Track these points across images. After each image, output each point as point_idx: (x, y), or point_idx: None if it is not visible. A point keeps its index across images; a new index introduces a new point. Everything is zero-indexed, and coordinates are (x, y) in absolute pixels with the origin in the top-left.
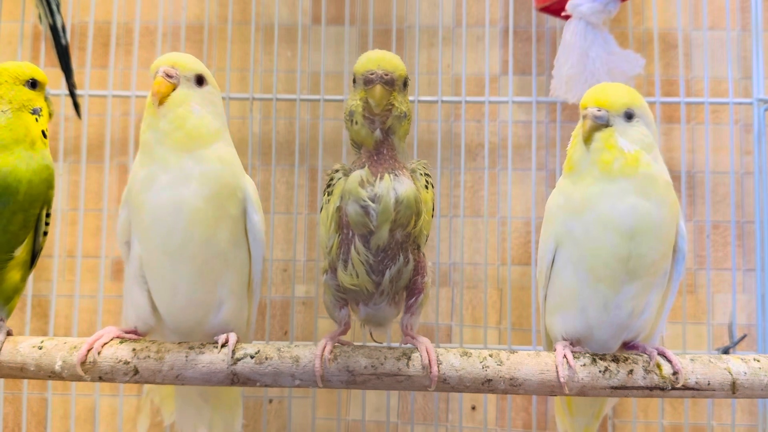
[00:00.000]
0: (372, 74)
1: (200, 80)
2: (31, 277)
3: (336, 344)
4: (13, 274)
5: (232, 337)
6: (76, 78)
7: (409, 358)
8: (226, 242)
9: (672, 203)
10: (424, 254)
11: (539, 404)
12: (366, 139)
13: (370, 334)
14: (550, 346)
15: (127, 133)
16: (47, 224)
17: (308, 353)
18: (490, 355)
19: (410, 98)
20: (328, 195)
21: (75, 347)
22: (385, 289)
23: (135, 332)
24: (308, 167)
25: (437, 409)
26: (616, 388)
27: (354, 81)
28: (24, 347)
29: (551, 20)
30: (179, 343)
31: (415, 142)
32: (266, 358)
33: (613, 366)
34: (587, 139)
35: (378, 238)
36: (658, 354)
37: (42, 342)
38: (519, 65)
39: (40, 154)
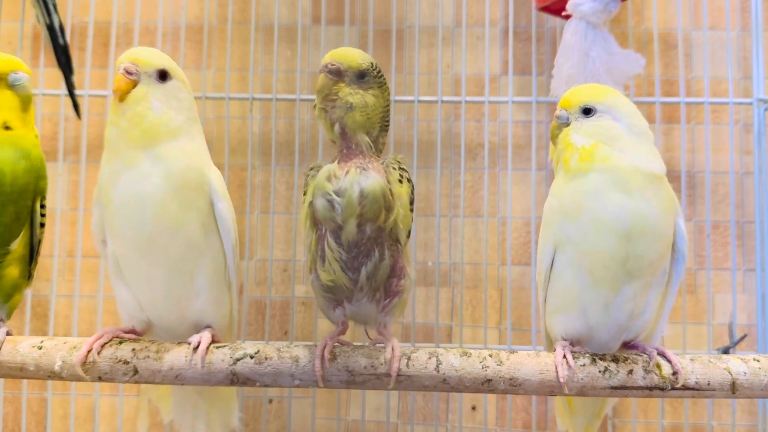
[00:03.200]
0: (323, 65)
1: (163, 75)
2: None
3: (336, 344)
4: (11, 270)
5: (205, 340)
6: (77, 78)
7: (408, 358)
8: (196, 233)
9: (665, 199)
10: (403, 253)
11: (539, 404)
12: (330, 132)
13: (365, 331)
14: (550, 347)
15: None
16: (43, 215)
17: (308, 353)
18: (490, 355)
19: (410, 98)
20: (305, 193)
21: (75, 347)
22: (363, 286)
23: (133, 331)
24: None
25: (437, 409)
26: (615, 388)
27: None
28: (24, 347)
29: (551, 20)
30: (179, 343)
31: (415, 142)
32: (266, 358)
33: (612, 366)
34: (553, 140)
35: (347, 233)
36: (658, 354)
37: (42, 342)
38: (519, 65)
39: (18, 144)
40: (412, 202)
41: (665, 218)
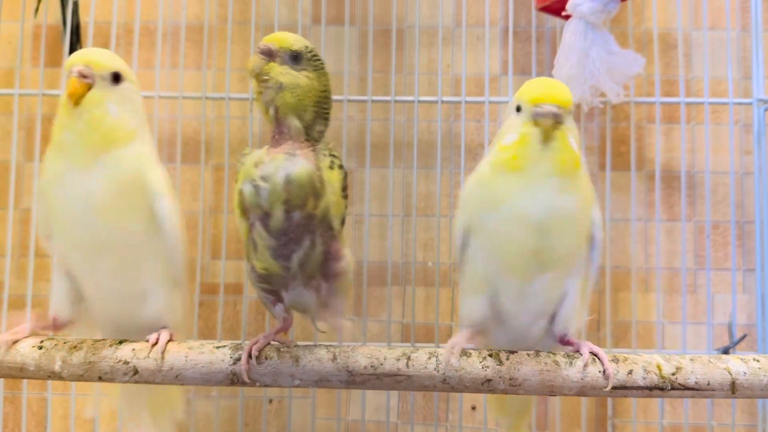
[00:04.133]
0: (257, 48)
1: (117, 77)
2: (31, 277)
3: (274, 342)
4: None
5: (163, 337)
6: None
7: (408, 358)
8: (141, 234)
9: (587, 195)
10: (338, 239)
11: (539, 404)
12: (266, 115)
13: (313, 324)
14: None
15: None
16: None
17: (308, 353)
18: (490, 355)
19: (410, 98)
20: (236, 182)
21: (75, 347)
22: (296, 274)
23: (53, 323)
24: None
25: (437, 409)
26: (615, 388)
27: None
28: (24, 347)
29: (551, 20)
30: (179, 342)
31: (415, 142)
32: (266, 358)
33: (612, 366)
34: (548, 138)
35: (275, 220)
36: (591, 353)
37: (42, 342)
38: (519, 65)
39: None
40: (344, 189)
41: (584, 212)
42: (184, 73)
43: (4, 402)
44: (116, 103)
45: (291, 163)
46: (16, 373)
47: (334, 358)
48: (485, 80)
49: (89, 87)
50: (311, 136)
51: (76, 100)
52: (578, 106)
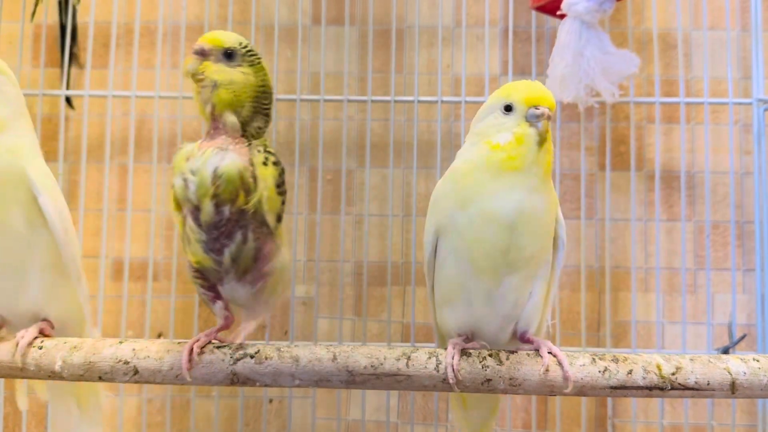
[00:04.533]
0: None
1: None
2: None
3: (213, 342)
4: None
5: (27, 336)
6: (77, 78)
7: (408, 358)
8: (21, 228)
9: (554, 195)
10: (275, 236)
11: (539, 404)
12: (203, 113)
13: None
14: (442, 342)
15: (127, 133)
16: None
17: (308, 353)
18: (490, 355)
19: (410, 98)
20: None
21: (75, 347)
22: (228, 268)
23: None
24: (308, 167)
25: (437, 409)
26: (615, 388)
27: None
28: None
29: (551, 20)
30: (179, 342)
31: (415, 142)
32: (266, 358)
33: (612, 366)
34: (544, 140)
35: (205, 214)
36: (549, 353)
37: (42, 342)
38: (519, 65)
39: None
40: (280, 185)
41: (550, 212)
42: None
43: (4, 402)
44: None
45: (220, 157)
46: (17, 373)
47: (334, 358)
48: (485, 80)
49: None
50: (248, 132)
51: None
52: (574, 106)
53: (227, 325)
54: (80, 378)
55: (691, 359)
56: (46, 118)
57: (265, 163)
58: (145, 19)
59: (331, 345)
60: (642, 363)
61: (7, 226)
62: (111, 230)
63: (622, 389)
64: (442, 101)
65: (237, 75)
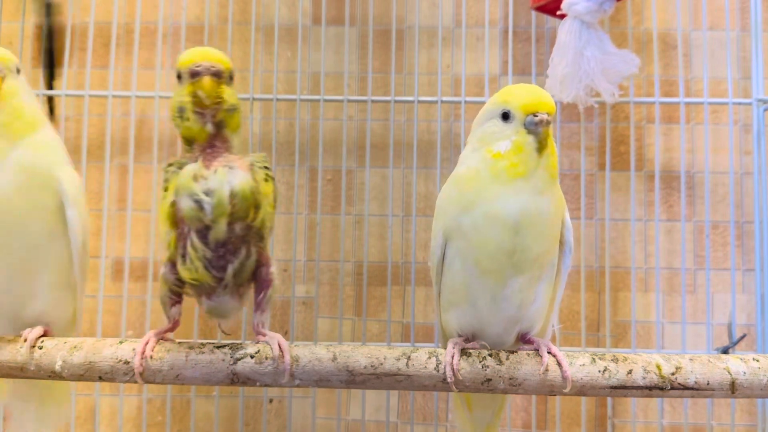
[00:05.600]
0: (198, 66)
1: (18, 70)
2: None
3: (160, 340)
4: None
5: (33, 332)
6: (77, 78)
7: (408, 358)
8: (41, 235)
9: (559, 197)
10: (266, 247)
11: (539, 404)
12: (198, 134)
13: (219, 326)
14: (445, 343)
15: (127, 133)
16: None
17: (308, 353)
18: (490, 355)
19: (410, 98)
20: (164, 191)
21: (75, 347)
22: (228, 283)
23: None
24: (308, 167)
25: (437, 409)
26: (615, 387)
27: (179, 77)
28: (24, 347)
29: (551, 20)
30: (179, 342)
31: (415, 142)
32: (266, 358)
33: (612, 366)
34: (544, 147)
35: (216, 233)
36: (549, 353)
37: (42, 342)
38: (519, 65)
39: None
40: (275, 200)
41: (556, 214)
42: None
43: None
44: (26, 92)
45: (233, 176)
46: (17, 373)
47: (334, 358)
48: (485, 80)
49: (2, 79)
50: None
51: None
52: (574, 106)
53: (174, 327)
54: (80, 378)
55: (691, 359)
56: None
57: (266, 180)
58: (145, 19)
59: (331, 345)
60: (642, 363)
61: (29, 231)
62: (111, 230)
63: (622, 389)
64: (442, 101)
65: (238, 99)
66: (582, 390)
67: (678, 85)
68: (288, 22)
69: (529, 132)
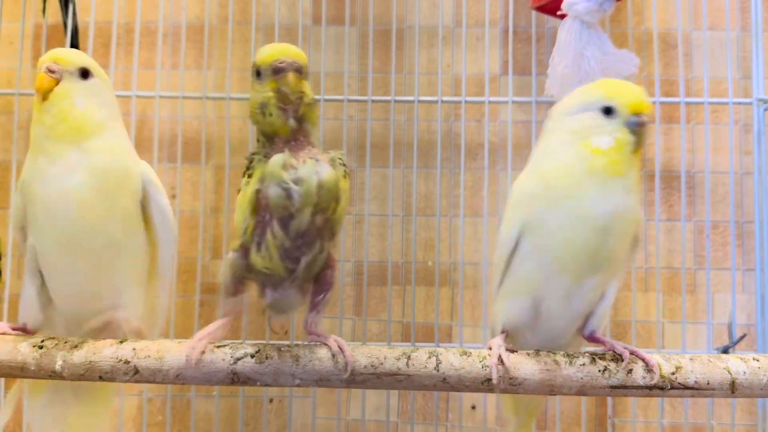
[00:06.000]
0: (281, 63)
1: (85, 73)
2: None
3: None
4: None
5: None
6: None
7: (408, 358)
8: (119, 232)
9: (639, 195)
10: (333, 247)
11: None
12: (281, 129)
13: (268, 324)
14: (492, 335)
15: (128, 133)
16: None
17: (308, 352)
18: (490, 355)
19: (410, 98)
20: (248, 177)
21: (76, 347)
22: (298, 276)
23: (23, 328)
24: None
25: (437, 409)
26: (615, 387)
27: (258, 74)
28: (24, 347)
29: (551, 20)
30: (179, 342)
31: (415, 142)
32: (266, 358)
33: (612, 365)
34: (642, 146)
35: (299, 222)
36: (631, 353)
37: (42, 341)
38: (519, 65)
39: None
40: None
41: (638, 212)
42: (184, 74)
43: (4, 402)
44: (83, 96)
45: (321, 167)
46: (17, 373)
47: (334, 358)
48: (485, 80)
49: (56, 82)
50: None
51: (44, 94)
52: None
53: (233, 320)
54: (81, 377)
55: (691, 359)
56: None
57: (345, 176)
58: (145, 19)
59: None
60: (642, 363)
61: (108, 229)
62: None
63: (622, 389)
64: (442, 101)
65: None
66: (582, 389)
67: (678, 84)
68: (288, 22)
69: (632, 132)
